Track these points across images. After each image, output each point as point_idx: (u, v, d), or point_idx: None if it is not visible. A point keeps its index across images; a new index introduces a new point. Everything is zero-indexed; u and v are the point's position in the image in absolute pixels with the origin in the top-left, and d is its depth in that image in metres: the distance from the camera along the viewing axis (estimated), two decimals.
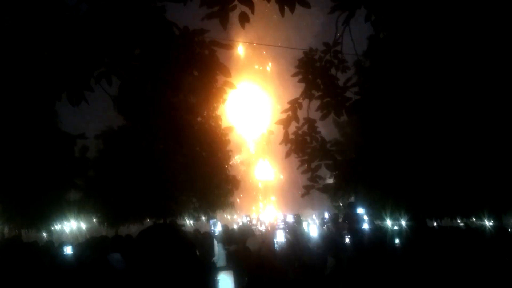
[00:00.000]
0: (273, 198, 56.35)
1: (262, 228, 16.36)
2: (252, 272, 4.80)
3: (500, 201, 12.73)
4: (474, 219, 21.49)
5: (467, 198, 12.83)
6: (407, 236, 6.50)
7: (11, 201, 19.13)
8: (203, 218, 24.93)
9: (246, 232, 10.56)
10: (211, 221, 8.47)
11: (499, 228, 11.63)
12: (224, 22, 3.79)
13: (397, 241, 8.08)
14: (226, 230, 11.32)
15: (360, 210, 9.72)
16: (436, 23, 4.84)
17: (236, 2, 3.75)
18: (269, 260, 4.82)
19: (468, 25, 4.83)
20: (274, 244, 7.20)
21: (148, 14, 3.57)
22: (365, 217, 10.60)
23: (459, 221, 24.71)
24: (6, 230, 20.28)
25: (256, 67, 60.08)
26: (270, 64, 60.65)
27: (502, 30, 4.73)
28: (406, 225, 12.63)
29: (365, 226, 9.54)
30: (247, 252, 5.88)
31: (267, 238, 7.50)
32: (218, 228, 8.44)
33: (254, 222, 18.87)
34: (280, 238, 7.34)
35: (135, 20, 3.53)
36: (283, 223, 10.94)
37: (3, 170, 18.52)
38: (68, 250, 8.79)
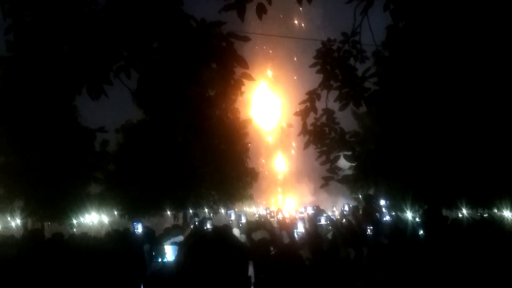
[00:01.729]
0: (290, 190, 56.33)
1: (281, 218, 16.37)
2: (273, 261, 4.82)
3: None
4: (496, 210, 21.17)
5: (489, 186, 12.62)
6: (423, 227, 6.46)
7: (33, 194, 19.48)
8: (222, 210, 25.08)
9: (257, 224, 10.56)
10: (229, 212, 8.46)
11: None
12: (241, 13, 3.79)
13: (420, 232, 8.04)
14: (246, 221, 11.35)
15: (380, 202, 9.68)
16: (455, 11, 4.77)
17: None
18: (290, 250, 4.84)
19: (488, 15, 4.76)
20: (294, 234, 7.22)
21: (165, 7, 3.59)
22: (384, 209, 10.54)
23: (479, 212, 24.38)
24: (29, 223, 20.64)
25: (259, 63, 59.71)
26: (288, 54, 60.32)
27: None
28: (419, 216, 12.49)
29: (386, 218, 9.50)
30: (266, 242, 5.92)
31: (285, 229, 7.52)
32: (242, 220, 8.43)
33: (273, 214, 18.88)
34: (300, 228, 7.37)
35: (153, 13, 3.55)
36: (302, 214, 10.94)
37: (26, 165, 18.86)
38: (139, 228, 8.31)
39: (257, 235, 7.41)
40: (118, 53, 3.62)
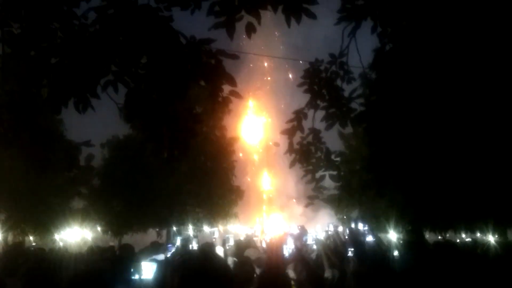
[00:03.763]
0: (275, 209, 56.15)
1: (267, 239, 16.29)
2: (258, 281, 4.80)
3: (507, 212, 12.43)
4: (479, 234, 21.30)
5: (473, 209, 12.64)
6: (404, 250, 6.48)
7: (16, 208, 19.17)
8: (206, 228, 24.86)
9: (243, 243, 10.47)
10: (212, 230, 8.36)
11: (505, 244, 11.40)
12: (231, 32, 3.82)
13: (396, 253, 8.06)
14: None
15: (362, 223, 9.70)
16: (442, 36, 4.84)
17: (243, 13, 3.78)
18: (275, 269, 4.81)
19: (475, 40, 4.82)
20: (280, 253, 7.19)
21: (155, 24, 3.61)
22: (367, 231, 10.54)
23: (463, 235, 24.52)
24: (10, 237, 20.28)
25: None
26: (276, 74, 60.64)
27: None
28: (400, 238, 12.51)
29: (368, 238, 9.50)
30: (250, 261, 5.88)
31: (269, 249, 7.50)
32: (230, 242, 8.20)
33: (257, 233, 18.77)
34: (289, 245, 7.34)
35: (142, 29, 3.56)
36: (289, 233, 10.91)
37: (8, 177, 18.59)
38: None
39: (246, 254, 7.36)
40: (107, 68, 3.62)
